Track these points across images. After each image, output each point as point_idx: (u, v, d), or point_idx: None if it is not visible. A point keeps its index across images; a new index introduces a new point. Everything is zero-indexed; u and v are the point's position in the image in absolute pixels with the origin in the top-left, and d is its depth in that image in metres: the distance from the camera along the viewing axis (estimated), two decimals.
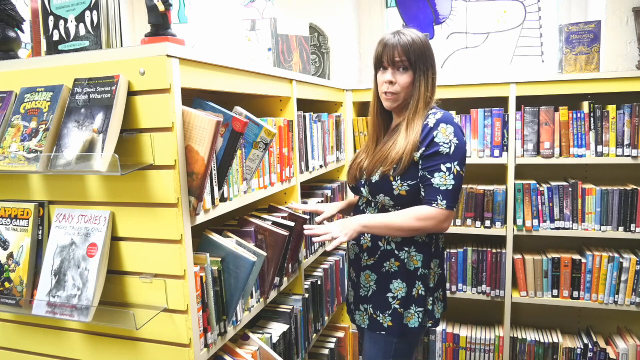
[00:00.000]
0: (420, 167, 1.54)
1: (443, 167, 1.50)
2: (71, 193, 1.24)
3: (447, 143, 1.51)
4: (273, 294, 1.71)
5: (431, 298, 1.65)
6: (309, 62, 2.37)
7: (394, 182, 1.55)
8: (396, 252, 1.61)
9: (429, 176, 1.51)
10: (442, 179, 1.49)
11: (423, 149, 1.52)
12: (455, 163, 1.51)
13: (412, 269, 1.61)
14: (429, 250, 1.62)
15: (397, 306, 1.61)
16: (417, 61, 1.55)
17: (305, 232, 1.59)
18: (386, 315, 1.62)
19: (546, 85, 2.32)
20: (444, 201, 1.49)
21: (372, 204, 1.65)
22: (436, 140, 1.51)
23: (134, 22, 3.35)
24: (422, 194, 1.54)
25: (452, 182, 1.50)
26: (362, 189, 1.65)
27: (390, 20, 3.14)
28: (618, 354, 2.41)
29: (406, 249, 1.60)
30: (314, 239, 1.57)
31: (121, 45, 1.33)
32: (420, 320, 1.62)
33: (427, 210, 1.49)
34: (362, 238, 1.66)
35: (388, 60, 1.57)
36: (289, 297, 1.91)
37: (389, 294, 1.62)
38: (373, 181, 1.58)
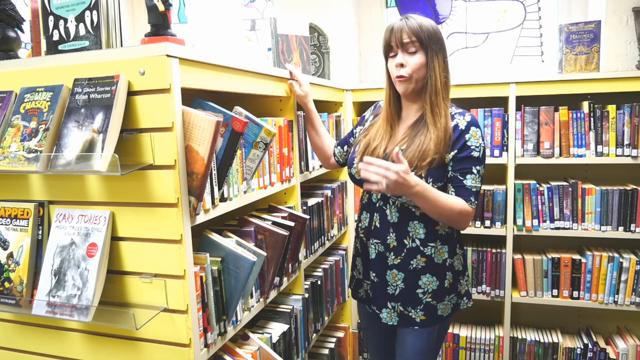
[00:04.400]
0: (450, 168, 1.54)
1: (474, 170, 1.53)
2: (71, 193, 1.24)
3: (478, 147, 1.54)
4: (273, 294, 1.71)
5: (462, 280, 1.70)
6: (309, 62, 2.36)
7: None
8: (422, 248, 1.60)
9: (460, 177, 1.53)
10: (473, 181, 1.53)
11: (455, 151, 1.53)
12: (482, 166, 1.56)
13: (441, 262, 1.62)
14: (452, 239, 1.65)
15: (429, 300, 1.62)
16: (429, 42, 1.53)
17: (362, 165, 1.41)
18: (418, 310, 1.62)
19: (546, 85, 2.32)
20: (475, 202, 1.54)
21: (391, 202, 1.62)
22: (469, 144, 1.54)
23: (134, 22, 3.35)
24: (452, 193, 1.54)
25: (479, 184, 1.55)
26: None
27: (390, 20, 3.14)
28: (618, 354, 2.41)
29: (431, 244, 1.60)
30: (362, 174, 1.40)
31: (121, 45, 1.33)
32: (452, 305, 1.66)
33: (468, 209, 1.52)
34: (388, 237, 1.63)
35: (397, 43, 1.54)
36: (289, 297, 1.91)
37: (419, 290, 1.62)
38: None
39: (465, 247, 2.54)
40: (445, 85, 1.57)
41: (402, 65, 1.55)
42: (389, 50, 1.59)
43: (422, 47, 1.53)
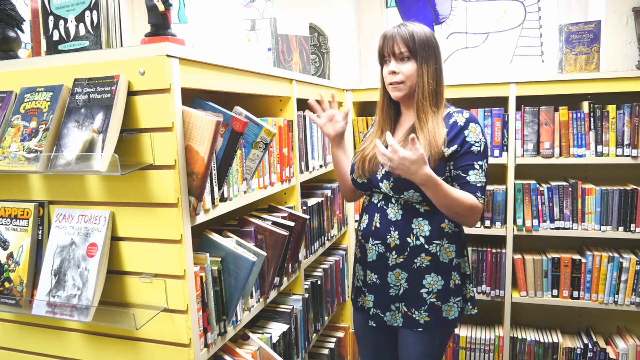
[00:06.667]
0: (452, 165, 1.55)
1: (476, 165, 1.53)
2: (71, 193, 1.24)
3: (478, 142, 1.54)
4: (273, 294, 1.71)
5: (470, 284, 1.68)
6: (309, 62, 2.37)
7: None
8: (426, 246, 1.58)
9: (463, 175, 1.53)
10: (477, 177, 1.53)
11: (455, 147, 1.53)
12: (485, 161, 1.55)
13: (447, 261, 1.60)
14: (459, 239, 1.63)
15: (433, 300, 1.60)
16: (419, 50, 1.55)
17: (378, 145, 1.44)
18: (422, 311, 1.61)
19: (546, 85, 2.32)
20: (482, 197, 1.53)
21: (394, 200, 1.61)
22: (468, 139, 1.54)
23: (134, 22, 3.35)
24: None
25: (484, 179, 1.54)
26: (380, 183, 1.60)
27: (390, 20, 3.14)
28: (618, 354, 2.41)
29: (437, 242, 1.59)
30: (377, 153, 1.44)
31: (121, 45, 1.33)
32: (459, 309, 1.64)
33: (478, 205, 1.51)
34: (389, 236, 1.61)
35: (388, 52, 1.58)
36: (289, 297, 1.91)
37: (423, 290, 1.60)
38: (402, 176, 1.50)
39: None
40: (434, 93, 1.57)
41: (394, 72, 1.58)
42: (382, 58, 1.63)
43: (412, 54, 1.56)
